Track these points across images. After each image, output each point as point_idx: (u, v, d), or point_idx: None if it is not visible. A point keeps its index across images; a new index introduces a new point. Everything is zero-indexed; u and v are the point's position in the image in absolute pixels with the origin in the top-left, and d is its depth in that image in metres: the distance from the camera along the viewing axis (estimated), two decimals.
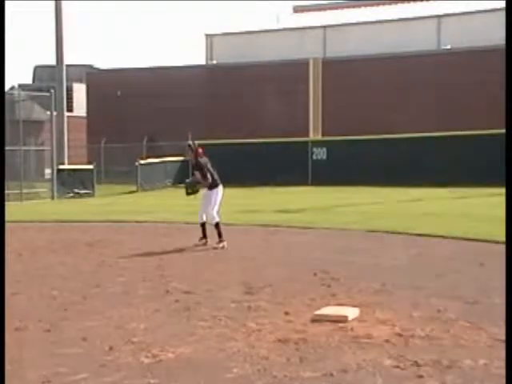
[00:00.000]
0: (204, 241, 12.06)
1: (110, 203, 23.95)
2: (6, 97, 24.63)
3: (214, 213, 11.93)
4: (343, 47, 42.42)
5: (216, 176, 12.24)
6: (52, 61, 32.56)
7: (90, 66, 52.07)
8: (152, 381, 4.95)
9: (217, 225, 11.84)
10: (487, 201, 20.58)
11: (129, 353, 5.60)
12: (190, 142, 12.80)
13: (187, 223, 16.03)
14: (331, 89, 36.00)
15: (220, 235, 11.77)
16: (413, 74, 37.59)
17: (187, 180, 13.43)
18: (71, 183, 27.52)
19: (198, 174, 12.22)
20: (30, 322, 6.67)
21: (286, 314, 6.86)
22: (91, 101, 45.57)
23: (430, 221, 15.42)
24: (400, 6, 46.32)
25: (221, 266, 9.97)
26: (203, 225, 12.14)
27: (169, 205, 21.84)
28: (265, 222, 15.79)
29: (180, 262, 10.45)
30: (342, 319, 6.49)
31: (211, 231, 12.00)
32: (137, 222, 16.67)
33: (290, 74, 39.12)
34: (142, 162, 31.79)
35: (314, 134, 35.05)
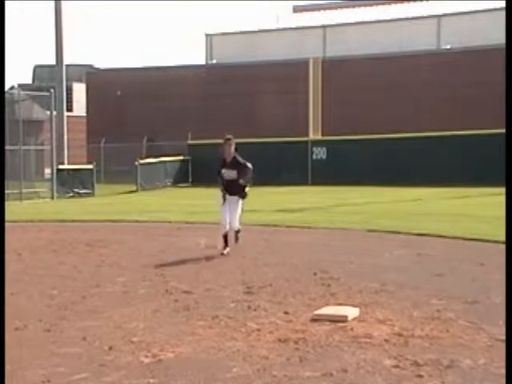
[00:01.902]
0: (228, 249, 10.97)
1: (110, 203, 23.94)
2: (6, 97, 24.62)
3: (238, 219, 11.17)
4: (343, 47, 42.46)
5: None
6: (52, 61, 32.62)
7: (90, 66, 52.11)
8: (152, 380, 4.95)
9: (237, 231, 11.30)
10: (487, 201, 20.58)
11: (128, 352, 5.61)
12: (230, 136, 11.18)
13: (187, 223, 16.05)
14: (331, 89, 35.98)
15: (227, 242, 11.06)
16: (412, 73, 37.60)
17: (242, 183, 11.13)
18: (71, 183, 27.51)
19: (238, 174, 10.94)
20: (30, 321, 6.67)
21: (286, 313, 6.87)
22: (91, 101, 45.59)
23: (430, 221, 15.41)
24: (400, 5, 46.33)
25: (221, 266, 9.97)
26: (227, 233, 11.06)
27: (169, 205, 21.83)
28: (265, 221, 15.78)
29: (180, 262, 10.44)
30: (342, 319, 6.49)
31: (209, 233, 11.98)
32: (137, 221, 16.67)
33: (290, 73, 39.13)
34: (142, 161, 31.79)
35: (314, 134, 35.03)
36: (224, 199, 11.07)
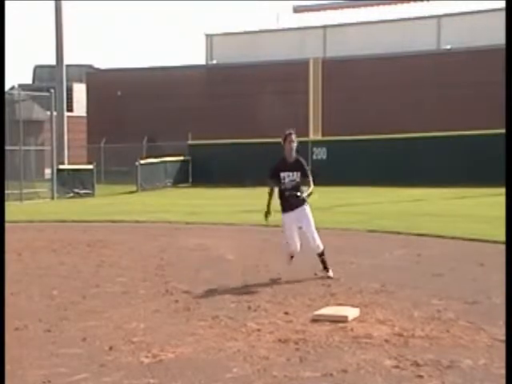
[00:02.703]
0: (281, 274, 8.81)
1: (110, 203, 23.94)
2: (6, 97, 24.62)
3: (317, 235, 8.96)
4: (343, 47, 42.43)
5: None
6: (52, 61, 32.61)
7: (90, 66, 52.12)
8: (152, 381, 4.95)
9: (321, 254, 8.95)
10: (487, 201, 20.58)
11: (129, 353, 5.61)
12: (291, 130, 8.93)
13: (187, 223, 16.06)
14: (331, 89, 35.98)
15: (325, 263, 8.87)
16: (413, 73, 37.58)
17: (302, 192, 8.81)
18: (71, 183, 27.51)
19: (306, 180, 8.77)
20: (30, 321, 6.67)
21: (286, 313, 6.87)
22: (91, 101, 45.58)
23: (429, 221, 15.41)
24: (400, 5, 46.32)
25: (221, 265, 9.97)
26: (293, 255, 8.99)
27: (169, 205, 21.83)
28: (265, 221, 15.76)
29: (180, 261, 10.45)
30: (342, 319, 6.49)
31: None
32: (137, 221, 16.67)
33: (290, 73, 39.11)
34: (142, 161, 31.79)
35: (314, 134, 35.02)
36: (269, 212, 8.87)
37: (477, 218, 15.77)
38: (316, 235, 8.87)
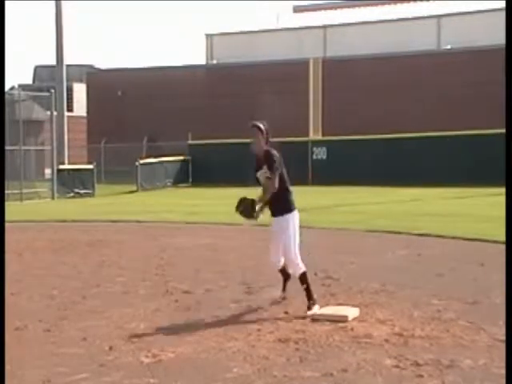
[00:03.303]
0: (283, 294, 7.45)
1: (110, 203, 23.94)
2: (6, 97, 24.62)
3: (298, 256, 7.01)
4: (343, 47, 42.47)
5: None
6: (52, 61, 32.63)
7: (90, 66, 52.14)
8: (152, 380, 4.95)
9: (301, 278, 7.02)
10: (487, 201, 20.58)
11: (129, 352, 5.61)
12: (256, 122, 7.14)
13: (187, 223, 16.06)
14: (331, 89, 35.99)
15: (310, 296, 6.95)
16: (413, 74, 37.60)
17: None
18: (71, 183, 27.51)
19: (269, 178, 6.96)
20: (30, 321, 6.67)
21: (286, 313, 6.87)
22: (91, 101, 45.58)
23: (430, 221, 15.41)
24: (400, 5, 46.39)
25: (221, 265, 9.97)
26: (282, 269, 7.39)
27: (169, 205, 21.82)
28: (265, 221, 15.75)
29: (180, 261, 10.45)
30: (342, 319, 6.49)
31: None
32: (137, 221, 16.67)
33: (290, 73, 39.12)
34: (142, 161, 31.78)
35: (314, 134, 35.04)
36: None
37: (477, 217, 15.77)
38: (289, 253, 6.97)
